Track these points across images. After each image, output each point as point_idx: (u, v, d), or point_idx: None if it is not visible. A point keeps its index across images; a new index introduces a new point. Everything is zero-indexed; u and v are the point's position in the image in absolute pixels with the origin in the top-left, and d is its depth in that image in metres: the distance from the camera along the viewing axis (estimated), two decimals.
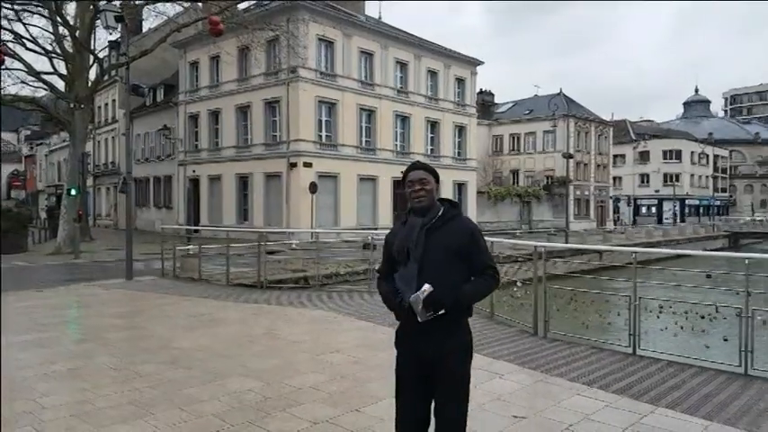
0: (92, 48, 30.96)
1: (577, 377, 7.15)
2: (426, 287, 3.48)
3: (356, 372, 7.41)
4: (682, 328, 9.82)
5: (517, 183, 65.89)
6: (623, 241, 42.11)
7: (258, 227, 33.61)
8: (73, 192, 28.36)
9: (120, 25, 22.03)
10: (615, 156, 76.56)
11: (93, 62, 31.00)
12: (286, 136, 36.86)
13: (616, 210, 76.90)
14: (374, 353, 8.35)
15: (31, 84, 32.27)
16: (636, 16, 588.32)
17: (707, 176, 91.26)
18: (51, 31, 30.39)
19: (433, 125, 45.60)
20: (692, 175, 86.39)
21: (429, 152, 44.30)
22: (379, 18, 47.47)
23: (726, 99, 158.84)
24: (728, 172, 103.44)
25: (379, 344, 8.77)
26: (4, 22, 27.98)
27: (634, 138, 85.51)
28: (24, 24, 29.89)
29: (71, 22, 30.19)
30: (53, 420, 5.70)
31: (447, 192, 43.14)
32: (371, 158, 40.44)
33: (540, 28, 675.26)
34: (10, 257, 24.06)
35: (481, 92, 66.18)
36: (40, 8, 29.65)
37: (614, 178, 76.20)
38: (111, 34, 31.77)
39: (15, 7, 28.46)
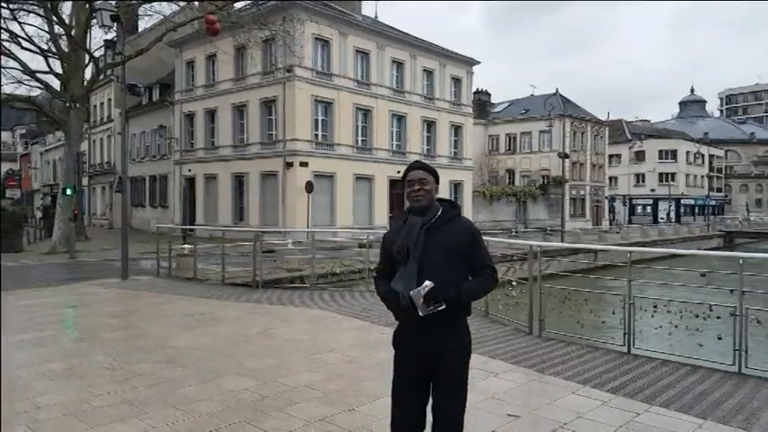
0: (87, 47, 30.92)
1: (572, 376, 7.18)
2: (427, 283, 3.50)
3: (352, 371, 7.43)
4: (676, 326, 9.84)
5: (513, 182, 65.97)
6: (618, 241, 42.19)
7: (254, 226, 33.60)
8: (68, 191, 28.31)
9: (115, 24, 22.01)
10: (611, 155, 76.69)
11: (89, 61, 30.96)
12: (282, 135, 36.83)
13: (612, 209, 76.96)
14: (370, 352, 8.37)
15: (26, 83, 32.29)
16: (634, 17, 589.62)
17: (702, 176, 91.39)
18: (47, 29, 30.36)
19: (430, 125, 45.60)
20: (688, 175, 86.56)
21: (425, 152, 44.26)
22: (376, 17, 47.42)
23: (721, 99, 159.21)
24: (724, 172, 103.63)
25: (375, 343, 8.79)
26: (1, 22, 27.98)
27: (630, 137, 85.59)
28: (20, 23, 29.89)
29: (67, 21, 30.17)
30: (49, 420, 5.71)
31: (443, 191, 42.95)
32: (368, 158, 40.42)
33: (538, 28, 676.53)
34: (5, 257, 24.00)
35: (477, 91, 66.28)
36: (35, 7, 29.61)
37: (610, 178, 76.35)
38: (106, 33, 31.89)
39: (11, 6, 28.42)
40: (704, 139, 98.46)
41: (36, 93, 37.04)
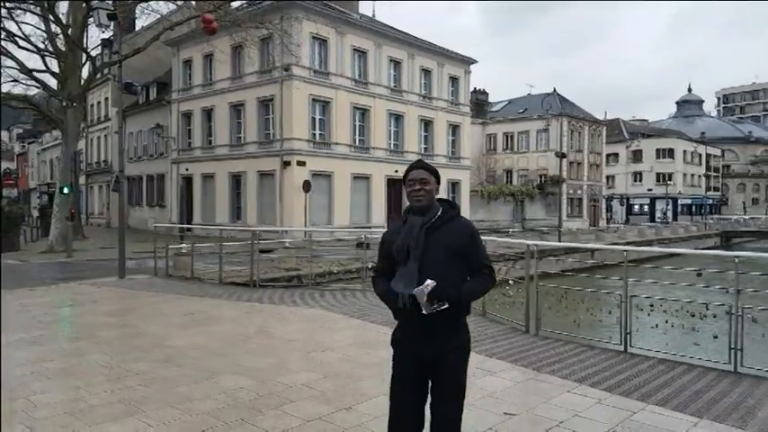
0: (84, 46, 30.88)
1: (568, 374, 7.19)
2: (430, 281, 3.52)
3: (349, 370, 7.43)
4: (672, 325, 9.89)
5: (510, 181, 66.00)
6: (616, 240, 42.21)
7: (251, 225, 33.53)
8: (65, 190, 28.29)
9: (112, 23, 22.01)
10: (608, 155, 76.70)
11: (86, 60, 30.91)
12: (279, 134, 36.81)
13: (609, 209, 77.05)
14: (367, 351, 8.38)
15: (23, 82, 32.19)
16: (634, 17, 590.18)
17: (699, 175, 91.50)
18: (44, 28, 30.30)
19: (427, 124, 45.61)
20: (685, 174, 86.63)
21: (423, 151, 44.26)
22: (373, 16, 47.42)
23: (718, 98, 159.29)
24: (721, 171, 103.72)
25: (373, 342, 8.81)
26: None
27: (627, 137, 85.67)
28: (17, 22, 29.84)
29: (64, 20, 30.11)
30: (46, 418, 5.71)
31: (441, 190, 42.92)
32: (365, 157, 40.43)
33: (536, 28, 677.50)
34: (3, 256, 23.96)
35: (475, 90, 66.26)
36: (32, 6, 29.57)
37: (607, 177, 76.37)
38: (103, 32, 31.81)
39: (8, 5, 28.37)
40: (701, 139, 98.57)
41: (33, 92, 37.06)
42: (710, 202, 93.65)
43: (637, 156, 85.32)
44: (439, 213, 3.78)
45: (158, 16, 35.02)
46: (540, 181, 62.90)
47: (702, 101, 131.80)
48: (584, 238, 40.38)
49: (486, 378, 7.01)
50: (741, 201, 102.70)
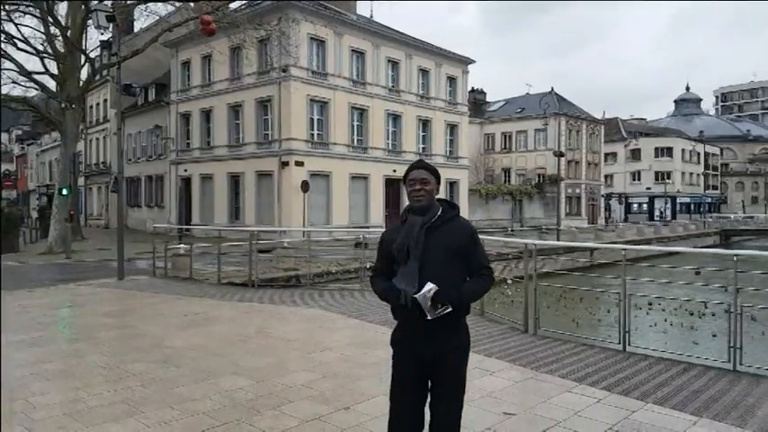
0: (83, 47, 30.86)
1: (567, 374, 7.19)
2: (431, 286, 3.52)
3: (347, 370, 7.43)
4: (671, 324, 9.84)
5: (509, 181, 66.07)
6: (614, 239, 42.20)
7: (250, 226, 33.55)
8: (64, 191, 28.27)
9: (111, 25, 22.00)
10: (606, 154, 76.71)
11: (85, 62, 30.89)
12: (278, 135, 36.85)
13: (608, 207, 77.08)
14: (365, 351, 8.38)
15: (22, 84, 32.17)
16: (634, 17, 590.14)
17: (698, 174, 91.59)
18: (43, 31, 30.28)
19: (425, 123, 45.63)
20: (684, 173, 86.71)
21: (421, 150, 44.30)
22: (371, 17, 47.48)
23: (717, 97, 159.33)
24: (719, 169, 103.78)
25: (371, 342, 8.81)
26: None
27: (625, 136, 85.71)
28: (16, 24, 29.80)
29: (62, 22, 30.09)
30: (45, 419, 5.71)
31: (439, 190, 43.12)
32: (363, 157, 40.46)
33: (536, 28, 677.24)
34: (2, 257, 23.96)
35: (473, 90, 66.30)
36: (31, 8, 29.55)
37: (606, 176, 76.41)
38: (102, 34, 31.76)
39: (7, 7, 28.36)
40: (700, 137, 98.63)
41: (32, 93, 37.02)
42: (709, 200, 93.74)
43: (635, 154, 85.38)
44: (439, 213, 3.78)
45: (157, 18, 34.99)
46: (539, 180, 62.93)
47: (701, 99, 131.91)
48: (583, 237, 40.35)
49: (485, 378, 7.01)
50: (740, 199, 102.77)
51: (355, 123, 40.30)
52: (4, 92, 32.32)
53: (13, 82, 32.08)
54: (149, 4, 31.07)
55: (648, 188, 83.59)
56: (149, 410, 5.91)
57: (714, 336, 9.51)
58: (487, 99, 74.99)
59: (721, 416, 5.77)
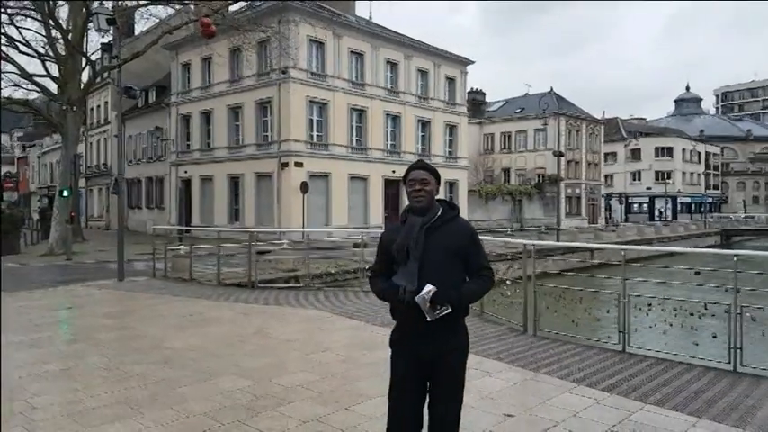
0: (84, 50, 30.86)
1: (566, 375, 7.19)
2: (430, 287, 3.52)
3: (346, 370, 7.44)
4: (671, 325, 9.83)
5: (508, 181, 66.08)
6: (614, 239, 42.16)
7: (249, 227, 33.55)
8: (65, 193, 28.30)
9: (112, 28, 22.03)
10: (606, 154, 76.72)
11: (86, 65, 30.92)
12: (277, 136, 36.89)
13: (608, 207, 77.05)
14: (364, 352, 8.38)
15: (23, 86, 32.16)
16: (634, 16, 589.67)
17: (699, 174, 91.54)
18: (44, 34, 30.35)
19: (424, 124, 45.65)
20: (684, 173, 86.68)
21: (420, 151, 44.32)
22: (370, 18, 47.52)
23: (717, 96, 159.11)
24: (720, 169, 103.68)
25: (370, 343, 8.81)
26: None
27: (625, 136, 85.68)
28: (17, 27, 29.87)
29: (64, 25, 30.12)
30: (44, 420, 5.71)
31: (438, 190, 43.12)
32: (362, 158, 40.49)
33: (535, 28, 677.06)
34: (3, 259, 23.96)
35: (472, 91, 66.29)
36: (33, 11, 29.60)
37: (606, 176, 76.41)
38: (103, 37, 31.83)
39: (9, 11, 28.43)
40: (700, 137, 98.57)
41: (33, 96, 36.97)
42: (710, 200, 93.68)
43: (635, 154, 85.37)
44: (439, 214, 3.78)
45: (157, 21, 35.01)
46: (538, 180, 62.95)
47: (701, 99, 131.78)
48: (583, 238, 40.31)
49: (484, 379, 7.00)
50: (741, 199, 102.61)
51: (354, 124, 40.34)
52: (5, 94, 32.38)
53: (15, 84, 32.09)
54: (150, 7, 31.10)
55: (649, 188, 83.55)
56: (149, 411, 5.91)
57: (714, 336, 9.52)
58: (487, 99, 75.09)
59: (721, 417, 5.76)
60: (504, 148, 67.99)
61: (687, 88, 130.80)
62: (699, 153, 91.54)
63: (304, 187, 34.98)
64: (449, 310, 3.59)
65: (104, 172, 56.73)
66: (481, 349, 8.36)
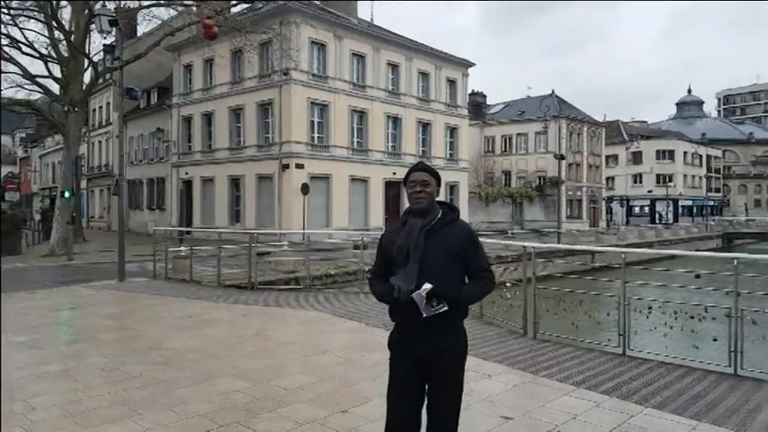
0: (86, 51, 30.95)
1: (566, 378, 7.17)
2: (427, 285, 3.51)
3: (345, 372, 7.44)
4: (671, 328, 9.81)
5: (509, 183, 65.99)
6: (615, 242, 42.08)
7: (250, 228, 33.56)
8: (66, 194, 28.35)
9: (114, 29, 22.03)
10: (608, 156, 76.62)
11: (88, 66, 31.01)
12: (278, 138, 36.91)
13: (609, 210, 76.97)
14: (364, 353, 8.37)
15: (26, 87, 32.29)
16: (632, 17, 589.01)
17: (700, 177, 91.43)
18: (47, 35, 30.47)
19: (425, 126, 45.67)
20: (686, 176, 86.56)
21: (420, 153, 44.33)
22: (371, 20, 47.59)
23: (719, 99, 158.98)
24: (722, 172, 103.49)
25: (369, 345, 8.80)
26: (1, 27, 28.05)
27: (627, 138, 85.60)
28: (20, 28, 29.97)
29: (66, 27, 30.22)
30: (43, 421, 5.71)
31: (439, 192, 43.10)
32: (363, 160, 40.51)
33: (535, 28, 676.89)
34: (4, 259, 23.96)
35: (473, 93, 66.28)
36: (35, 12, 29.67)
37: (607, 179, 76.31)
38: (105, 38, 31.78)
39: (12, 12, 28.51)
40: (702, 140, 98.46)
41: (36, 97, 37.05)
42: (712, 203, 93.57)
43: (636, 157, 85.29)
44: (439, 216, 3.78)
45: (159, 22, 35.16)
46: (539, 182, 62.88)
47: (702, 102, 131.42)
48: (584, 240, 40.26)
49: (484, 381, 6.99)
50: (743, 202, 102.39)
51: (355, 126, 40.37)
52: (8, 95, 32.45)
53: (18, 85, 32.19)
54: (152, 9, 31.19)
55: (650, 191, 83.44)
56: (148, 412, 5.91)
57: (715, 339, 9.48)
58: (487, 100, 75.05)
59: (721, 420, 5.74)
60: (505, 150, 67.95)
61: (689, 90, 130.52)
62: (700, 156, 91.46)
63: (305, 189, 34.98)
64: (445, 308, 3.57)
65: (106, 173, 56.81)
66: (481, 351, 8.35)
